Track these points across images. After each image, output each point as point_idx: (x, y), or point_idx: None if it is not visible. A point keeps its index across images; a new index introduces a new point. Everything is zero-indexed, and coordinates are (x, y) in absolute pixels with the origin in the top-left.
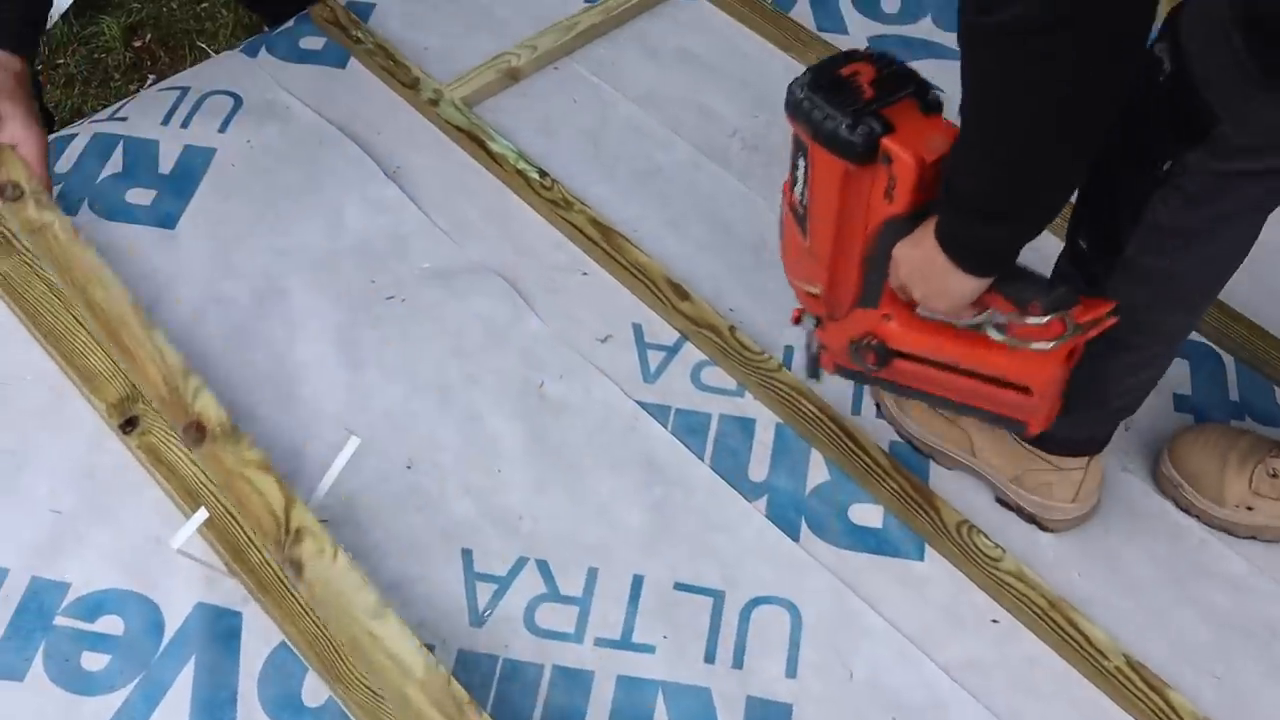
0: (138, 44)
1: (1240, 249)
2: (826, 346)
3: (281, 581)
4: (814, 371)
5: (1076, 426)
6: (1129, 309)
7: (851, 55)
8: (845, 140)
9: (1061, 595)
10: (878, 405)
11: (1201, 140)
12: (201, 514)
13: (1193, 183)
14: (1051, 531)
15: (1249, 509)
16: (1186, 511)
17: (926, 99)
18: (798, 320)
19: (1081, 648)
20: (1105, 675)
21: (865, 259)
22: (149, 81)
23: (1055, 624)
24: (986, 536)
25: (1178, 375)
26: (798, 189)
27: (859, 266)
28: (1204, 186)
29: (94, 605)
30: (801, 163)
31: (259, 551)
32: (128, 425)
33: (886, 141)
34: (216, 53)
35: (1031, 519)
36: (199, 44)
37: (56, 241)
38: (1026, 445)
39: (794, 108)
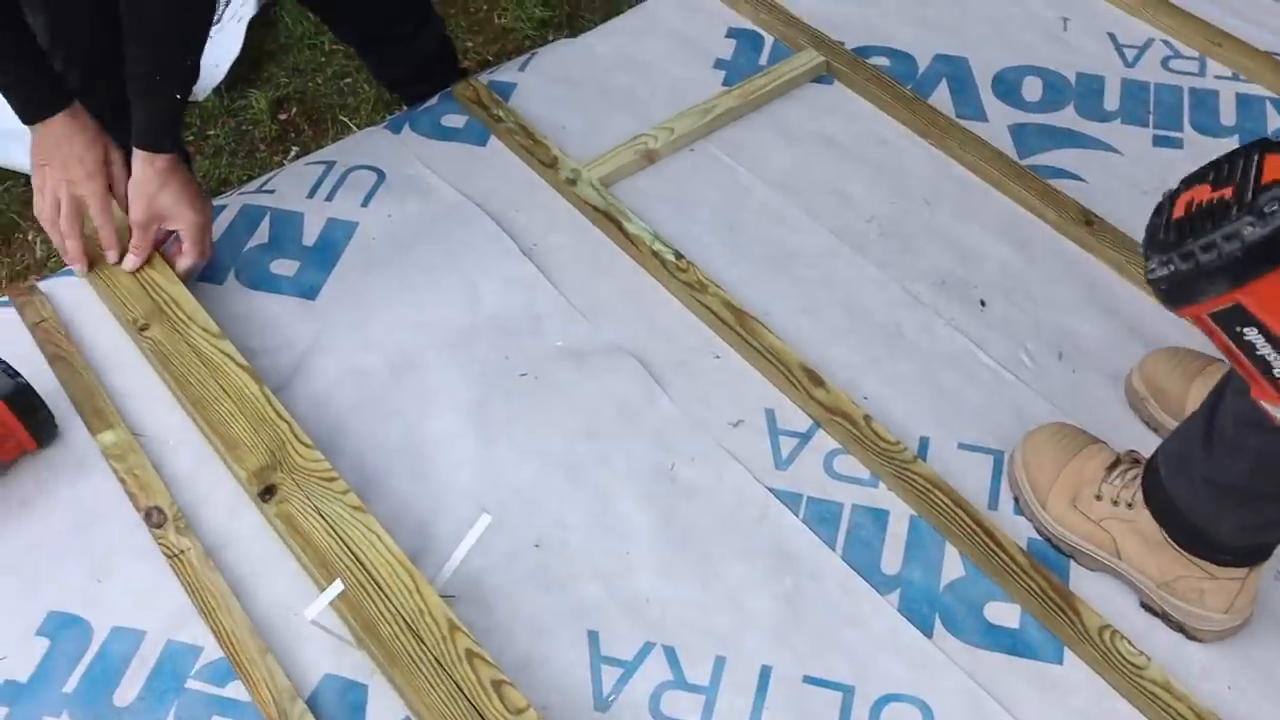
0: (283, 117)
1: None
2: None
3: (411, 656)
4: None
5: (1244, 533)
6: None
7: (1159, 208)
8: (1268, 234)
9: (1211, 709)
10: (1015, 500)
11: None
12: (337, 586)
13: None
14: (1199, 641)
15: None
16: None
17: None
18: None
19: None
20: None
21: None
22: (292, 154)
23: None
24: (1130, 643)
25: None
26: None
27: None
28: None
29: (225, 670)
30: (1253, 335)
31: (390, 625)
32: (266, 493)
33: None
34: (358, 127)
35: (1179, 628)
36: (341, 118)
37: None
38: (1184, 551)
39: (1175, 286)
